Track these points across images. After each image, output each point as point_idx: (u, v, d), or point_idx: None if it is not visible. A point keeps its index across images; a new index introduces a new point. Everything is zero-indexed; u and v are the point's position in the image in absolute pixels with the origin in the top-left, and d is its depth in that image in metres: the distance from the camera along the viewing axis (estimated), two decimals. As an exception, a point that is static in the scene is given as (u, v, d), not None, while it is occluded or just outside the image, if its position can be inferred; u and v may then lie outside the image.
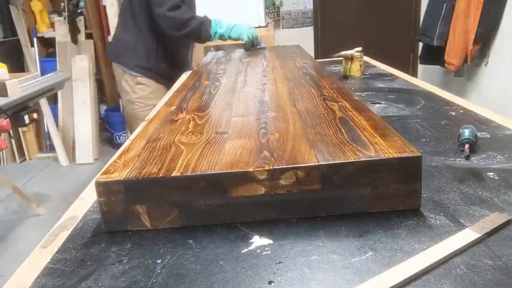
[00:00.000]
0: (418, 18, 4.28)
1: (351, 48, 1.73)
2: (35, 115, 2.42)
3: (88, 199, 0.80)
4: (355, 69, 1.73)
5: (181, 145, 0.77)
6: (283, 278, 0.53)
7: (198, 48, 3.30)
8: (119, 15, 2.13)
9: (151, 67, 1.96)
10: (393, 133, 0.73)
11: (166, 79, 1.99)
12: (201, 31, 1.91)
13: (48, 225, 0.72)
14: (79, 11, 4.06)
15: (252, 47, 2.19)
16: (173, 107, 1.06)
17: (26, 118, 2.34)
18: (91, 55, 3.97)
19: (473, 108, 1.17)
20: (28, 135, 3.97)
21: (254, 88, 1.23)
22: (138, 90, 1.99)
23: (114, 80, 4.30)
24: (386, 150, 0.65)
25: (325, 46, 4.52)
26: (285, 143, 0.73)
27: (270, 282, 0.52)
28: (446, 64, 3.28)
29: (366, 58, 1.98)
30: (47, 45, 4.19)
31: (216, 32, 1.95)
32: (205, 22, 1.93)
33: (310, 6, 4.47)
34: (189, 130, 0.86)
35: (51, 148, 3.96)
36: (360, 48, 1.73)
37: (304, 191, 0.64)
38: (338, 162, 0.63)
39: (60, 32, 4.01)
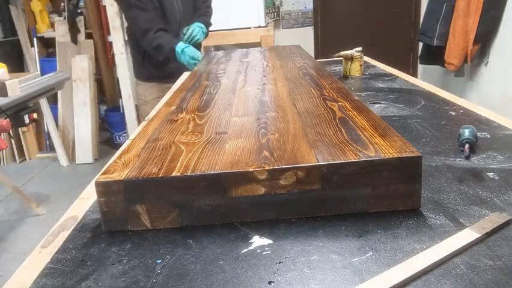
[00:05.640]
0: (418, 18, 4.28)
1: (351, 48, 1.73)
2: (35, 115, 2.43)
3: (88, 199, 0.80)
4: (355, 69, 1.73)
5: (181, 145, 0.77)
6: (283, 278, 0.53)
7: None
8: None
9: (143, 72, 2.41)
10: (393, 133, 0.73)
11: (158, 78, 2.36)
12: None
13: (48, 225, 0.72)
14: (79, 11, 4.06)
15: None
16: (173, 107, 1.06)
17: (26, 118, 2.35)
18: (91, 55, 3.97)
19: (473, 108, 1.17)
20: (28, 135, 3.98)
21: (254, 88, 1.23)
22: (138, 90, 2.49)
23: (114, 80, 4.32)
24: (386, 150, 0.65)
25: (325, 46, 4.52)
26: (285, 143, 0.73)
27: (270, 282, 0.52)
28: (446, 64, 3.28)
29: (366, 58, 1.98)
30: (47, 45, 4.19)
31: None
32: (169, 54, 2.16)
33: (310, 6, 4.48)
34: (189, 130, 0.86)
35: (51, 148, 3.96)
36: (360, 48, 1.73)
37: (304, 191, 0.64)
38: (338, 162, 0.63)
39: (60, 32, 4.01)
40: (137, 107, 2.58)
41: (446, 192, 0.71)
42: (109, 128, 4.14)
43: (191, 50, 2.15)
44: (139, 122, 2.52)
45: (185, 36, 2.24)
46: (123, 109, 3.82)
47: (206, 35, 2.40)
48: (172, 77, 2.22)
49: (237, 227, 0.65)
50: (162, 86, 2.27)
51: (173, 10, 2.23)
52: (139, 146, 0.79)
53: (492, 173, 0.77)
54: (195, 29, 2.27)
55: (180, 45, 2.14)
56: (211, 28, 3.34)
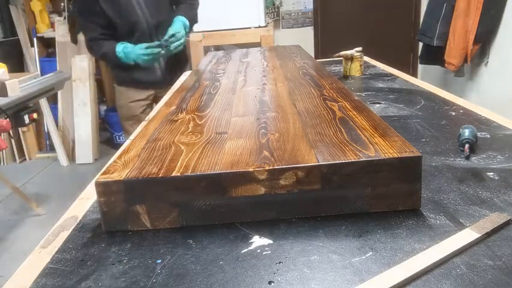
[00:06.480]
0: (418, 18, 4.28)
1: (351, 48, 1.73)
2: (35, 115, 2.43)
3: (88, 199, 0.80)
4: (355, 69, 1.73)
5: (181, 145, 0.77)
6: (283, 278, 0.53)
7: (197, 48, 3.30)
8: None
9: (116, 77, 2.30)
10: (393, 133, 0.73)
11: (129, 84, 2.21)
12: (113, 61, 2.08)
13: (48, 225, 0.72)
14: (79, 11, 4.06)
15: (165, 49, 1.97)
16: (173, 107, 1.06)
17: (26, 118, 2.35)
18: (91, 55, 3.97)
19: (473, 108, 1.17)
20: (28, 135, 3.98)
21: (254, 88, 1.23)
22: (115, 92, 2.37)
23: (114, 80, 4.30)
24: (386, 150, 0.65)
25: (325, 46, 4.52)
26: (285, 143, 0.73)
27: (270, 282, 0.52)
28: (446, 64, 3.28)
29: (366, 58, 1.98)
30: (47, 45, 4.19)
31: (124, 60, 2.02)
32: (112, 60, 2.07)
33: (310, 6, 4.48)
34: (189, 130, 0.86)
35: (51, 148, 3.96)
36: (360, 48, 1.73)
37: (304, 191, 0.64)
38: (337, 162, 0.63)
39: (60, 32, 4.01)
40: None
41: (446, 192, 0.71)
42: (109, 128, 4.14)
43: (133, 47, 1.98)
44: (123, 124, 2.40)
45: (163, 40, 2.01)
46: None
47: (189, 30, 2.16)
48: (144, 84, 2.15)
49: (237, 227, 0.65)
50: (136, 91, 2.20)
51: (137, 19, 2.02)
52: (139, 146, 0.79)
53: (492, 173, 0.77)
54: (176, 26, 2.00)
55: (119, 47, 1.99)
56: (211, 28, 3.35)
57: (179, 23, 2.03)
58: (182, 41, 2.02)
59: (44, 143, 4.11)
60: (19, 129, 3.44)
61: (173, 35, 1.97)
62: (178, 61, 2.24)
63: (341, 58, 1.74)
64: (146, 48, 1.94)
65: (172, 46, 1.98)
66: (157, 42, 1.97)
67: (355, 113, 0.87)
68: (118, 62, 2.02)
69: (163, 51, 1.96)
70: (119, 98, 2.30)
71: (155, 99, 2.23)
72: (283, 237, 0.61)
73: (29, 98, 2.40)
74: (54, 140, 3.80)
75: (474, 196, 0.69)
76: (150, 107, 2.24)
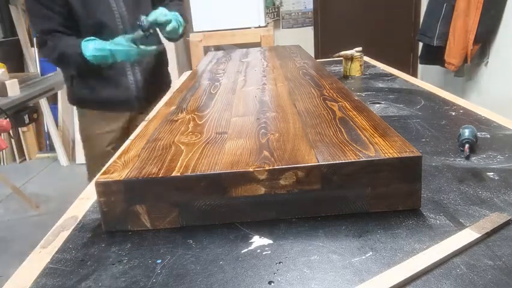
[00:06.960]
0: (418, 18, 4.29)
1: (351, 48, 1.73)
2: (35, 115, 2.43)
3: (88, 199, 0.80)
4: (355, 69, 1.73)
5: (181, 145, 0.77)
6: (283, 278, 0.53)
7: (197, 48, 3.30)
8: None
9: (73, 95, 1.69)
10: (393, 133, 0.73)
11: (97, 103, 1.65)
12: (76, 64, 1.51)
13: (48, 225, 0.72)
14: (79, 11, 4.05)
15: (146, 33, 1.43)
16: (173, 107, 1.06)
17: (26, 118, 2.35)
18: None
19: (473, 108, 1.17)
20: (28, 135, 3.98)
21: (254, 88, 1.23)
22: (78, 120, 1.76)
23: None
24: (386, 150, 0.65)
25: (325, 46, 4.52)
26: (285, 143, 0.73)
27: (270, 282, 0.52)
28: (446, 64, 3.28)
29: (366, 58, 1.98)
30: (47, 45, 4.18)
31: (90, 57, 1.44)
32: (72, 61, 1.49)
33: (310, 6, 4.48)
34: (189, 130, 0.86)
35: (51, 148, 3.96)
36: (360, 48, 1.73)
37: (304, 191, 0.64)
38: (337, 162, 0.63)
39: (60, 32, 4.00)
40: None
41: (446, 192, 0.71)
42: (109, 128, 4.13)
43: (111, 43, 1.44)
44: (86, 160, 1.77)
45: (147, 21, 1.42)
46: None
47: (184, 28, 1.62)
48: (114, 104, 1.62)
49: (237, 227, 0.65)
50: (104, 115, 1.66)
51: (110, 16, 1.53)
52: (139, 146, 0.79)
53: (492, 173, 0.77)
54: (162, 13, 1.46)
55: (87, 46, 1.42)
56: (211, 28, 3.36)
57: (171, 14, 1.51)
58: (173, 24, 1.49)
59: (44, 143, 4.11)
60: (19, 129, 3.44)
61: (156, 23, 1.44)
62: (159, 76, 1.78)
63: (341, 58, 1.74)
64: (134, 40, 1.43)
65: (169, 27, 1.47)
66: (141, 33, 1.43)
67: (355, 113, 0.87)
68: (82, 68, 1.49)
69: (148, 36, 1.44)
70: (81, 124, 1.72)
71: (130, 128, 1.67)
72: (283, 237, 0.61)
73: (29, 98, 2.40)
74: (55, 140, 3.80)
75: (474, 196, 0.69)
76: (121, 140, 1.51)
